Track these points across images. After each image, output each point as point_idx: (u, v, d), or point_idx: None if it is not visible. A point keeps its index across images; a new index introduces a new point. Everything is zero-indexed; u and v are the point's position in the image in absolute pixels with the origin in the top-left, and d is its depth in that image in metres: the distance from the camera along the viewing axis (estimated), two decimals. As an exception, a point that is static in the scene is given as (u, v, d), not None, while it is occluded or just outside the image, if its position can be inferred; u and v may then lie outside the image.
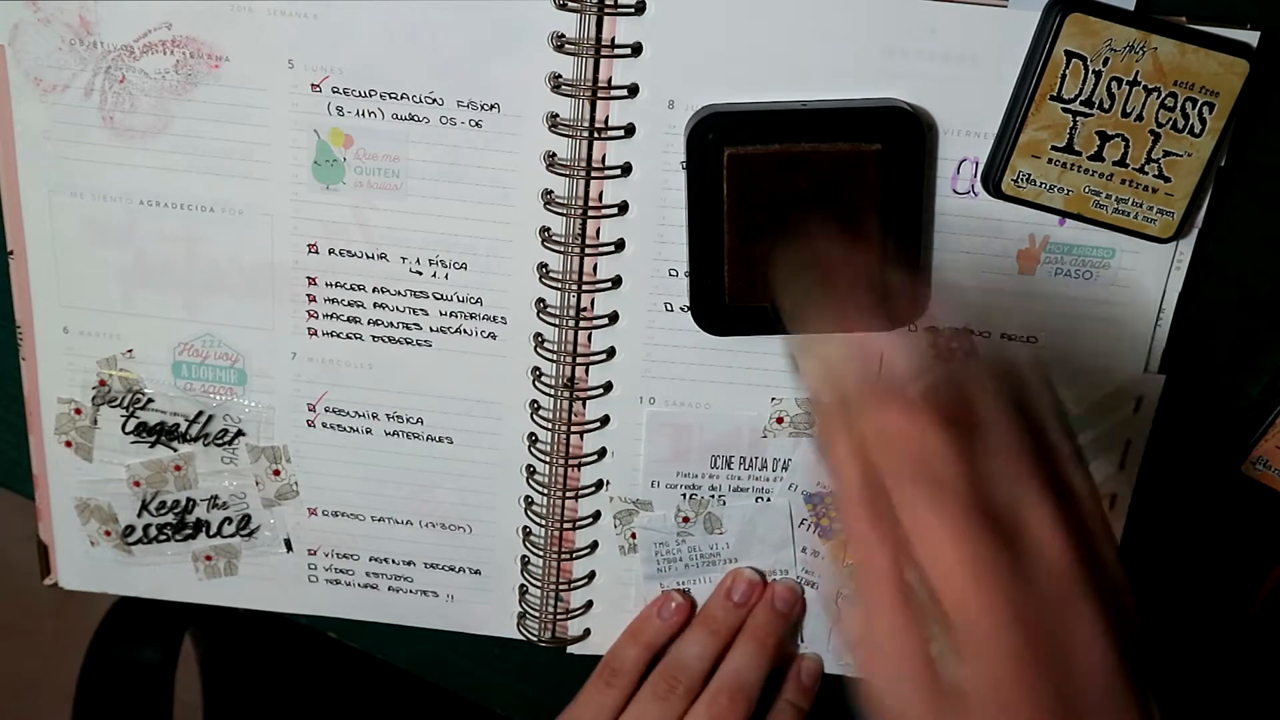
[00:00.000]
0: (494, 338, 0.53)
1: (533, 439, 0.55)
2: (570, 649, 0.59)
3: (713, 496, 0.55)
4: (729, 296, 0.50)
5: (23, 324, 0.54)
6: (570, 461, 0.55)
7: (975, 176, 0.49)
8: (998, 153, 0.48)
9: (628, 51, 0.48)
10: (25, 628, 1.42)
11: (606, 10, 0.47)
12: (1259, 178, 0.50)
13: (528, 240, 0.51)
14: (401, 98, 0.49)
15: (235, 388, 0.55)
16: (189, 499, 0.57)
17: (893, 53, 0.48)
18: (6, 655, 1.44)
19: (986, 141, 0.49)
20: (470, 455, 0.56)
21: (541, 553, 0.57)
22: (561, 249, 0.51)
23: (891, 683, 0.37)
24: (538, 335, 0.53)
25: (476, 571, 0.58)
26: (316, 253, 0.52)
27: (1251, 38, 0.46)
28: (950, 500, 0.35)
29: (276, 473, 0.56)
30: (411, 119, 0.50)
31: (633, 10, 0.47)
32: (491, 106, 0.49)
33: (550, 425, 0.54)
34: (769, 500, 0.55)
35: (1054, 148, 0.47)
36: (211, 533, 0.57)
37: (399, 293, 0.53)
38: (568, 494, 0.56)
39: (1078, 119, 0.47)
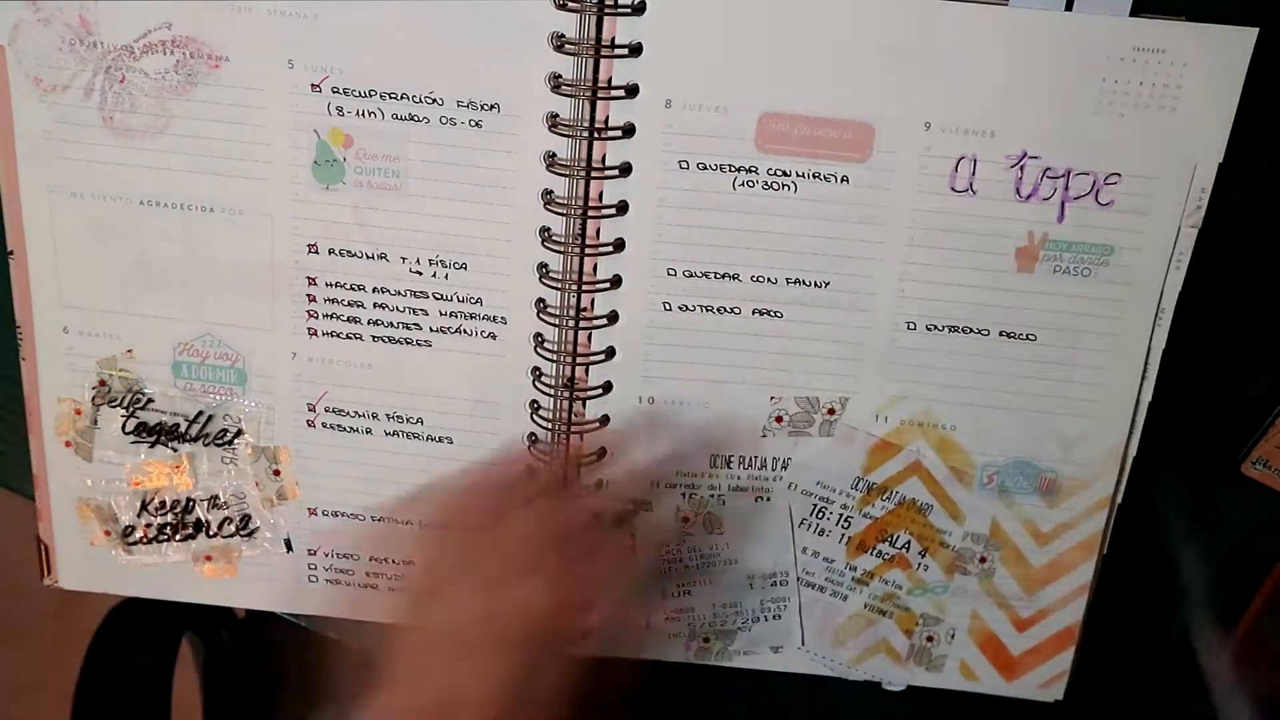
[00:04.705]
0: (494, 338, 0.53)
1: (533, 439, 0.55)
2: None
3: (712, 496, 0.55)
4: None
5: (23, 324, 0.54)
6: (570, 461, 0.55)
7: (974, 175, 0.49)
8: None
9: (626, 51, 0.48)
10: (25, 628, 1.42)
11: (606, 11, 0.47)
12: (1259, 178, 0.50)
13: (528, 240, 0.51)
14: (401, 98, 0.49)
15: (235, 388, 0.55)
16: (189, 499, 0.57)
17: (891, 51, 0.48)
18: (6, 655, 1.44)
19: (983, 140, 0.49)
20: (470, 455, 0.56)
21: (541, 552, 0.57)
22: (561, 249, 0.51)
23: None
24: (538, 335, 0.53)
25: (476, 571, 0.58)
26: (316, 253, 0.52)
27: (1250, 35, 0.46)
28: None
29: (277, 473, 0.56)
30: (411, 119, 0.50)
31: (631, 11, 0.47)
32: (491, 107, 0.49)
33: (550, 425, 0.54)
34: (768, 500, 0.55)
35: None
36: (211, 533, 0.57)
37: (399, 293, 0.53)
38: (568, 494, 0.56)
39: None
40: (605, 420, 0.54)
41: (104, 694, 0.71)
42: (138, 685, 0.71)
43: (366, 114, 0.50)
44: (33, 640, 1.41)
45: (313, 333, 0.54)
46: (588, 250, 0.51)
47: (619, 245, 0.51)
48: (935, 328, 0.52)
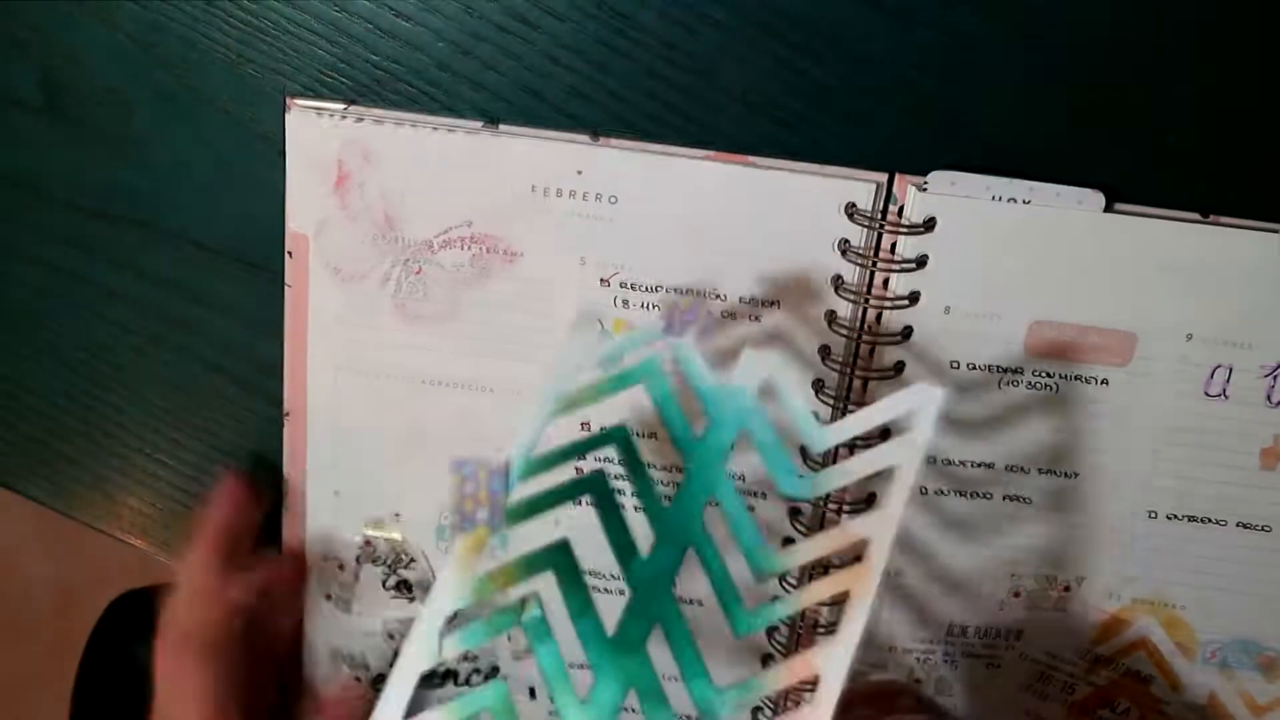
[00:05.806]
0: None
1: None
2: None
3: (945, 660, 0.58)
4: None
5: (292, 481, 0.56)
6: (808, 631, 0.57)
7: (1227, 382, 0.52)
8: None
9: (913, 265, 0.50)
10: (25, 628, 1.44)
11: (887, 229, 0.49)
12: None
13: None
14: (686, 293, 0.52)
15: (497, 551, 0.57)
16: (440, 650, 0.59)
17: (1165, 268, 0.50)
18: (6, 655, 1.45)
19: (1240, 350, 0.51)
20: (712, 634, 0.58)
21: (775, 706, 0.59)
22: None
23: None
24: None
25: None
26: (588, 429, 0.54)
27: None
28: None
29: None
30: (692, 312, 0.52)
31: (922, 228, 0.50)
32: (773, 304, 0.52)
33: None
34: (999, 667, 0.58)
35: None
36: (460, 681, 0.59)
37: (666, 467, 0.55)
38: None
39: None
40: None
41: (103, 686, 0.72)
42: (137, 677, 0.72)
43: (650, 306, 0.52)
44: (32, 639, 1.43)
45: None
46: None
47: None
48: (1175, 517, 0.54)
